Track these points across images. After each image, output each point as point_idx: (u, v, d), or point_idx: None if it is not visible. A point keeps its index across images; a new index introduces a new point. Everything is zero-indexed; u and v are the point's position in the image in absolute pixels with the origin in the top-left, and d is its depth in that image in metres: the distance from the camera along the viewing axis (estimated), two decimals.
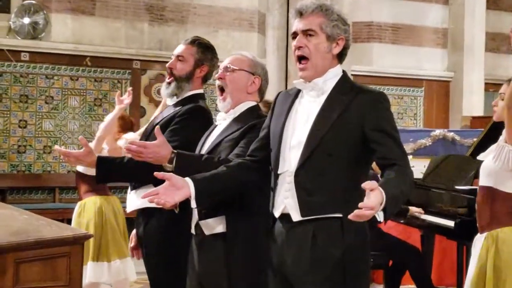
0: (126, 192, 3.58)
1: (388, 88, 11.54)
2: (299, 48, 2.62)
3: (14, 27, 9.19)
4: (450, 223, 4.63)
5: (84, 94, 9.53)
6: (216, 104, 3.18)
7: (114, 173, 3.27)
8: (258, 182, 2.78)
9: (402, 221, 5.40)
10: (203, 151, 3.00)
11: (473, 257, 3.26)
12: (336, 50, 2.64)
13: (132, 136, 5.36)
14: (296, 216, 2.55)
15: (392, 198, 2.30)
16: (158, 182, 2.58)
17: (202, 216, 2.88)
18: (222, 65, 3.08)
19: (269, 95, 3.34)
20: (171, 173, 2.62)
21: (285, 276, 2.60)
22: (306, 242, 2.53)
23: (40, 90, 9.28)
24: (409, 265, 5.56)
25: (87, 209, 5.45)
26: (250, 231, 2.84)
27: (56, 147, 3.33)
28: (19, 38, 9.20)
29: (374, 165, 2.80)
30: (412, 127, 11.44)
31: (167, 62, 3.53)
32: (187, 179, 2.59)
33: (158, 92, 9.40)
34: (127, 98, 4.90)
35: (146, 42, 9.90)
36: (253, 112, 3.05)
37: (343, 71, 2.69)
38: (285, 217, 2.59)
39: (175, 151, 2.83)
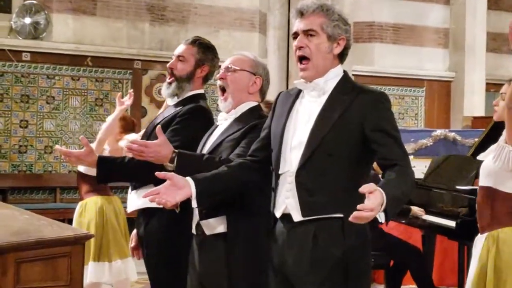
0: (127, 192, 3.58)
1: (389, 88, 11.53)
2: (300, 48, 2.62)
3: (15, 27, 9.19)
4: (451, 223, 4.63)
5: (85, 94, 9.53)
6: (217, 104, 3.18)
7: (115, 173, 3.27)
8: (259, 182, 2.78)
9: (403, 221, 5.40)
10: (204, 151, 3.01)
11: (474, 258, 3.26)
12: (337, 50, 2.64)
13: (134, 137, 5.35)
14: (297, 216, 2.55)
15: (392, 199, 2.30)
16: (158, 182, 2.58)
17: (203, 216, 2.88)
18: (223, 65, 3.08)
19: (270, 95, 3.34)
20: (173, 173, 2.62)
21: (286, 276, 2.60)
22: (307, 242, 2.53)
23: (41, 90, 9.28)
24: (410, 265, 5.56)
25: (88, 209, 5.46)
26: (251, 231, 2.84)
27: (57, 146, 3.32)
28: (20, 38, 9.20)
29: (375, 165, 2.80)
30: (413, 127, 11.43)
31: (168, 62, 3.53)
32: (188, 178, 2.59)
33: (159, 92, 9.40)
34: (128, 100, 4.88)
35: (147, 42, 9.91)
36: (254, 112, 3.05)
37: (344, 71, 2.69)
38: (286, 217, 2.59)
39: (176, 150, 2.84)
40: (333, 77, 2.64)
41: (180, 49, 3.49)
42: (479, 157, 4.83)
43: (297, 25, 2.64)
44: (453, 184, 4.89)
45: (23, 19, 9.19)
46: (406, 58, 11.80)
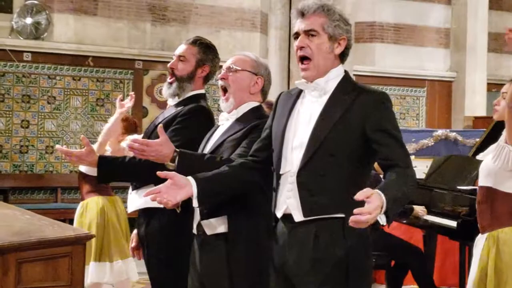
0: (128, 193, 3.58)
1: (390, 88, 11.53)
2: (301, 48, 2.62)
3: (17, 27, 9.19)
4: (453, 223, 4.63)
5: (86, 94, 9.53)
6: (219, 105, 3.18)
7: (115, 173, 3.28)
8: (260, 182, 2.78)
9: (404, 221, 5.39)
10: (206, 151, 3.00)
11: (474, 258, 3.26)
12: (338, 50, 2.64)
13: (136, 138, 5.34)
14: (298, 217, 2.55)
15: (393, 200, 2.29)
16: (159, 182, 2.58)
17: (204, 216, 2.87)
18: (225, 65, 3.08)
19: (271, 95, 3.34)
20: (174, 172, 2.62)
21: (287, 276, 2.60)
22: (308, 242, 2.53)
23: (42, 90, 9.29)
24: (411, 265, 5.56)
25: (89, 209, 5.46)
26: (252, 231, 2.84)
27: (58, 146, 3.32)
28: (22, 38, 9.20)
29: (376, 165, 2.80)
30: (414, 127, 11.43)
31: (169, 62, 3.52)
32: (190, 178, 2.59)
33: (161, 92, 9.40)
34: (128, 102, 4.86)
35: (148, 42, 9.91)
36: (255, 112, 3.05)
37: (345, 71, 2.69)
38: (287, 217, 2.58)
39: (177, 150, 2.83)
40: (334, 77, 2.63)
41: (181, 49, 3.49)
42: (478, 156, 4.84)
43: (298, 25, 2.64)
44: (454, 184, 4.89)
45: (24, 19, 9.19)
46: (407, 58, 11.79)
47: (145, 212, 3.40)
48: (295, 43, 2.65)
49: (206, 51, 3.48)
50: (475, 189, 4.08)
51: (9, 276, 2.77)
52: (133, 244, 3.61)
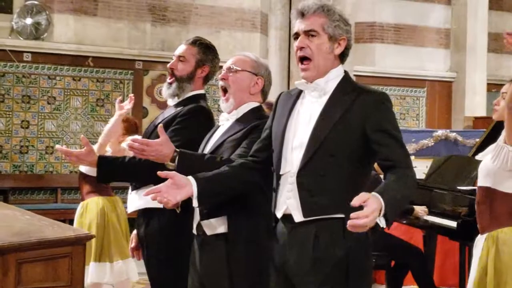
0: (127, 193, 3.58)
1: (391, 88, 11.52)
2: (301, 48, 2.62)
3: (17, 27, 9.19)
4: (453, 224, 4.63)
5: (87, 94, 9.53)
6: (219, 105, 3.18)
7: (115, 173, 3.28)
8: (260, 182, 2.78)
9: (404, 222, 5.40)
10: (206, 152, 3.01)
11: (474, 258, 3.26)
12: (338, 50, 2.64)
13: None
14: (298, 217, 2.55)
15: (392, 203, 2.29)
16: (159, 182, 2.58)
17: (204, 216, 2.88)
18: (225, 66, 3.08)
19: (271, 96, 3.34)
20: (174, 172, 2.62)
21: (287, 276, 2.60)
22: (308, 243, 2.53)
23: (42, 91, 9.29)
24: (411, 266, 5.56)
25: (90, 210, 5.46)
26: (252, 231, 2.84)
27: (57, 146, 3.32)
28: (22, 39, 9.21)
29: (376, 165, 2.80)
30: (414, 128, 11.43)
31: (169, 62, 3.53)
32: (190, 178, 2.60)
33: (161, 92, 9.39)
34: (128, 104, 4.84)
35: (148, 42, 9.91)
36: (256, 113, 3.05)
37: (345, 72, 2.69)
38: (287, 217, 2.59)
39: (177, 149, 2.84)
40: (334, 77, 2.63)
41: (181, 49, 3.49)
42: (478, 157, 4.84)
43: (298, 25, 2.64)
44: (454, 185, 4.89)
45: (24, 20, 9.20)
46: (407, 59, 11.79)
47: (145, 213, 3.40)
48: (295, 44, 2.65)
49: (206, 52, 3.48)
50: (475, 190, 4.07)
51: (9, 276, 2.77)
52: (132, 244, 3.61)
